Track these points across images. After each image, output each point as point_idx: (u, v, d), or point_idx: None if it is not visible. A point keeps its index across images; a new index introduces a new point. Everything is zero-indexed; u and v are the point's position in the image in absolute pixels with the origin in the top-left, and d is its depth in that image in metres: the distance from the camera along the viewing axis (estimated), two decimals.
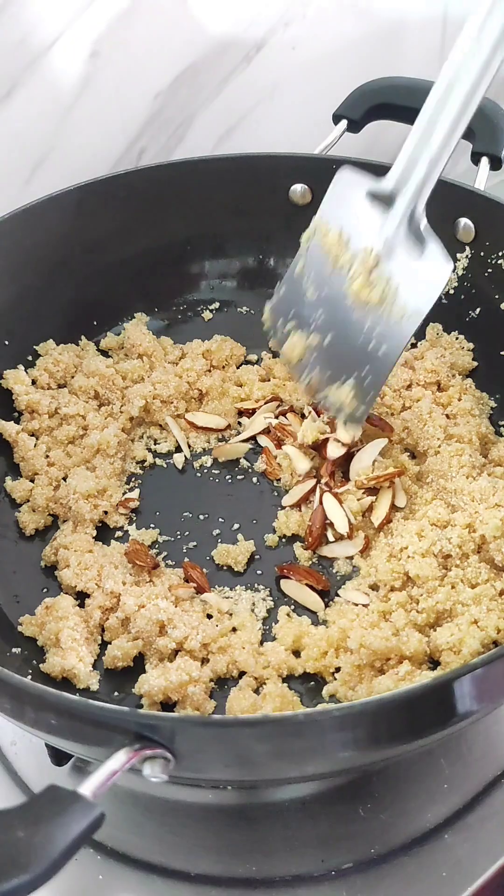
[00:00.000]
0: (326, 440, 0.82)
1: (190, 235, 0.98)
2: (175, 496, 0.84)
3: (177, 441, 0.88)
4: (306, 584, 0.76)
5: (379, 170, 0.77)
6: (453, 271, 0.91)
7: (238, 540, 0.79)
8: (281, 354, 0.82)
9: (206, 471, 0.86)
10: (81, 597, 0.75)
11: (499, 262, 0.87)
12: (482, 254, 0.88)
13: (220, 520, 0.82)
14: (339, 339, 0.78)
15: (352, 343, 0.77)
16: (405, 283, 0.75)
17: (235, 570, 0.77)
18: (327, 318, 0.78)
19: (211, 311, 0.99)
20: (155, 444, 0.89)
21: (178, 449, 0.88)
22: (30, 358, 0.90)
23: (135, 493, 0.84)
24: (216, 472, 0.86)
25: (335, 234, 0.78)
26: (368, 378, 0.76)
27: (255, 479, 0.85)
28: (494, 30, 0.67)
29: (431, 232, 0.74)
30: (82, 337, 0.94)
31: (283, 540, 0.80)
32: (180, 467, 0.86)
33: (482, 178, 0.91)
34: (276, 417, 0.89)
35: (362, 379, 0.77)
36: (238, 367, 0.94)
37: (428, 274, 0.74)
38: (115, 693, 0.70)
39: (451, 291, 0.92)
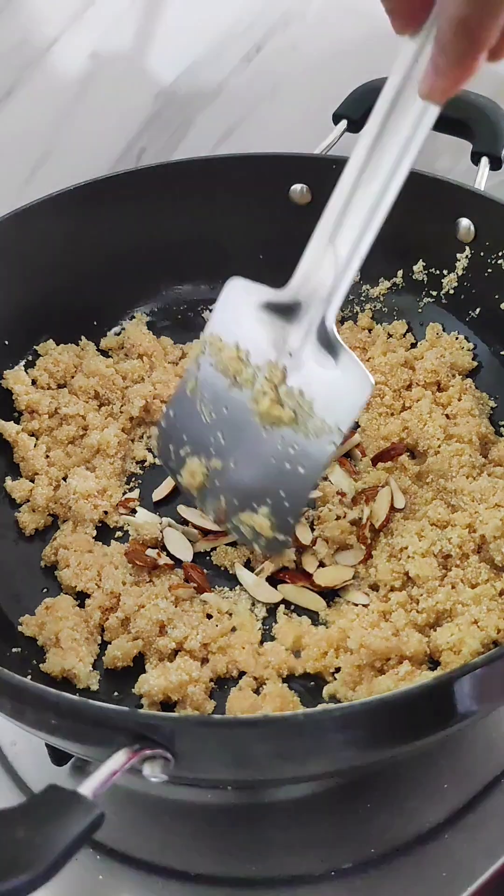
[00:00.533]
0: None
1: (190, 235, 0.98)
2: (176, 496, 0.84)
3: None
4: (302, 586, 0.75)
5: (273, 279, 0.71)
6: (453, 271, 0.91)
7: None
8: (179, 485, 0.77)
9: None
10: (81, 597, 0.75)
11: (499, 262, 0.87)
12: (482, 254, 0.88)
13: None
14: (246, 462, 0.72)
15: (262, 465, 0.71)
16: (320, 396, 0.69)
17: (231, 572, 0.77)
18: (229, 440, 0.73)
19: (211, 311, 0.99)
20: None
21: None
22: (30, 358, 0.90)
23: (135, 493, 0.84)
24: None
25: (231, 349, 0.72)
26: (286, 502, 0.71)
27: None
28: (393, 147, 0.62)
29: (340, 341, 0.68)
30: (82, 337, 0.94)
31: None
32: None
33: (482, 178, 0.91)
34: None
35: (280, 502, 0.71)
36: None
37: (346, 385, 0.67)
38: (115, 693, 0.70)
39: (452, 291, 0.92)
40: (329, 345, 0.68)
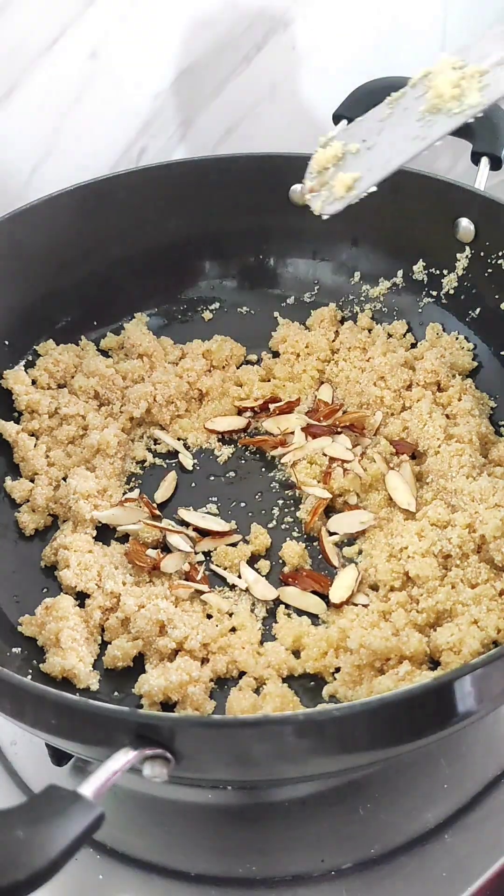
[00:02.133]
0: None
1: (190, 235, 0.98)
2: (177, 496, 0.84)
3: (183, 442, 0.89)
4: (311, 592, 0.75)
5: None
6: (453, 271, 0.91)
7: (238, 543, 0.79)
8: (312, 161, 0.75)
9: (208, 470, 0.86)
10: (81, 597, 0.75)
11: (499, 262, 0.87)
12: (482, 254, 0.88)
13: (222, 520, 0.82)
14: (373, 146, 0.72)
15: (388, 144, 0.71)
16: (491, 83, 0.68)
17: (231, 572, 0.77)
18: (381, 130, 0.72)
19: (211, 311, 0.99)
20: (155, 444, 0.89)
21: (186, 447, 0.88)
22: (30, 358, 0.90)
23: (134, 493, 0.84)
24: (218, 473, 0.86)
25: (452, 60, 0.71)
26: (376, 168, 0.71)
27: (258, 479, 0.85)
28: None
29: None
30: (82, 337, 0.94)
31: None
32: (189, 467, 0.86)
33: (482, 178, 0.91)
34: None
35: (371, 170, 0.71)
36: (238, 367, 0.94)
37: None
38: (115, 693, 0.70)
39: (452, 291, 0.92)
40: None
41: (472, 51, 0.72)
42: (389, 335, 0.94)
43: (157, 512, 0.81)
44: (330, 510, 0.81)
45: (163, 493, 0.84)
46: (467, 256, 0.90)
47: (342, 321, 0.97)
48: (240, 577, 0.77)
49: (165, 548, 0.79)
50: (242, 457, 0.87)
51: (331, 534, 0.79)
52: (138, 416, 0.88)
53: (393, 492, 0.80)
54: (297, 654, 0.71)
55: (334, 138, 0.75)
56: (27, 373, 0.89)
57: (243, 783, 0.63)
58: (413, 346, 0.94)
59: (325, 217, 0.73)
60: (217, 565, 0.78)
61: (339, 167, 0.73)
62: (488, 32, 0.70)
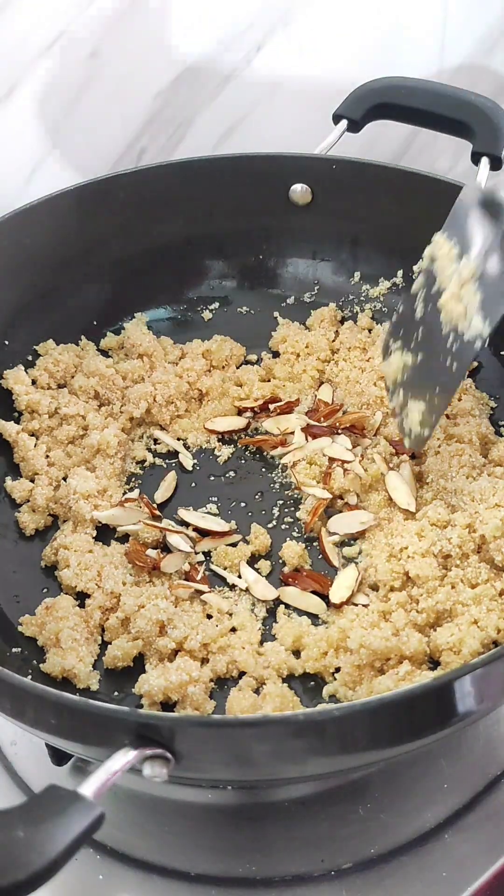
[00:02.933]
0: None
1: (190, 235, 0.98)
2: (177, 496, 0.84)
3: (183, 442, 0.89)
4: (311, 592, 0.75)
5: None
6: None
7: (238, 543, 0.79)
8: (384, 374, 0.81)
9: (208, 470, 0.86)
10: (81, 597, 0.75)
11: None
12: None
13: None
14: (426, 358, 0.77)
15: (433, 362, 0.75)
16: (487, 296, 0.72)
17: (231, 572, 0.77)
18: (425, 335, 0.76)
19: (211, 311, 0.99)
20: (155, 443, 0.89)
21: (186, 447, 0.88)
22: (30, 358, 0.90)
23: (134, 493, 0.84)
24: (218, 473, 0.86)
25: (447, 249, 0.75)
26: (436, 400, 0.76)
27: (258, 479, 0.85)
28: None
29: None
30: (82, 337, 0.94)
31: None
32: (189, 468, 0.86)
33: (482, 178, 0.90)
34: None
35: (432, 400, 0.76)
36: (238, 367, 0.94)
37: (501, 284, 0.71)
38: (115, 693, 0.70)
39: None
40: None
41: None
42: None
43: (157, 512, 0.81)
44: (330, 510, 0.81)
45: (163, 493, 0.84)
46: None
47: (342, 321, 0.97)
48: (240, 577, 0.77)
49: (165, 548, 0.79)
50: (242, 457, 0.87)
51: (331, 534, 0.79)
52: (138, 416, 0.88)
53: (393, 492, 0.80)
54: (297, 654, 0.71)
55: (391, 349, 0.80)
56: (27, 373, 0.88)
57: (243, 783, 0.63)
58: None
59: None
60: (217, 565, 0.78)
61: (405, 383, 0.78)
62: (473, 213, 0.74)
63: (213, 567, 0.78)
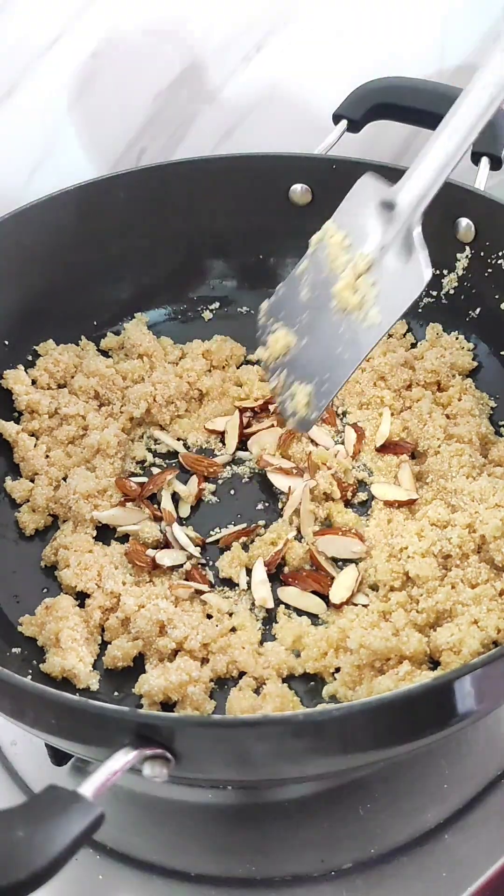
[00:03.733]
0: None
1: (190, 235, 0.98)
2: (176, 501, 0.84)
3: (183, 442, 0.89)
4: (311, 592, 0.75)
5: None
6: (453, 271, 0.91)
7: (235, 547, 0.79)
8: (261, 349, 0.81)
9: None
10: (81, 597, 0.75)
11: (499, 262, 0.87)
12: (482, 254, 0.88)
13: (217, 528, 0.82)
14: (312, 342, 0.77)
15: (322, 348, 0.76)
16: (385, 290, 0.73)
17: (234, 581, 0.77)
18: (310, 319, 0.77)
19: (211, 311, 0.99)
20: (155, 443, 0.89)
21: (186, 447, 0.88)
22: (30, 358, 0.90)
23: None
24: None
25: (339, 238, 0.76)
26: (325, 385, 0.75)
27: (258, 479, 0.85)
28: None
29: (422, 241, 0.72)
30: (82, 337, 0.94)
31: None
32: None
33: (482, 178, 0.91)
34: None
35: (321, 384, 0.76)
36: (238, 367, 0.94)
37: (404, 283, 0.72)
38: (115, 693, 0.70)
39: (452, 291, 0.92)
40: (410, 242, 0.72)
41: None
42: (389, 335, 0.94)
43: (158, 512, 0.81)
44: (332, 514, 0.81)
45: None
46: (467, 256, 0.90)
47: None
48: (240, 577, 0.77)
49: (167, 547, 0.79)
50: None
51: (319, 552, 0.78)
52: (138, 416, 0.88)
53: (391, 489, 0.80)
54: (297, 654, 0.71)
55: (269, 330, 0.80)
56: (27, 373, 0.88)
57: (243, 783, 0.63)
58: (413, 346, 0.94)
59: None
60: (217, 565, 0.78)
61: (287, 364, 0.78)
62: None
63: (215, 566, 0.78)
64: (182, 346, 0.95)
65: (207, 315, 0.99)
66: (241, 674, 0.70)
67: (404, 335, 0.94)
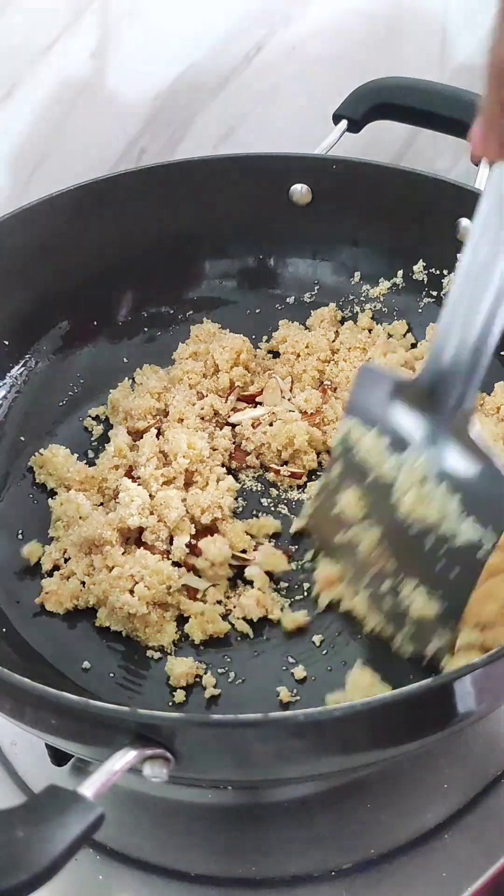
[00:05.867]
0: None
1: (190, 235, 0.98)
2: None
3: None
4: None
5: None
6: (451, 271, 0.91)
7: None
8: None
9: None
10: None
11: None
12: None
13: None
14: (398, 549, 0.66)
15: (416, 558, 0.65)
16: (466, 498, 0.62)
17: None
18: (378, 526, 0.67)
19: (211, 311, 0.99)
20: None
21: None
22: (33, 362, 0.90)
23: None
24: None
25: (372, 436, 0.67)
26: (446, 603, 0.64)
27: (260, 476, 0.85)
28: None
29: (478, 433, 0.62)
30: (83, 342, 0.93)
31: None
32: None
33: (482, 178, 0.90)
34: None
35: (439, 598, 0.64)
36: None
37: (490, 486, 0.61)
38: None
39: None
40: (466, 439, 0.63)
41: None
42: (390, 335, 0.94)
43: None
44: None
45: None
46: None
47: (342, 321, 0.97)
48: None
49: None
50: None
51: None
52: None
53: None
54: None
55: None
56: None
57: (243, 783, 0.63)
58: (413, 346, 0.93)
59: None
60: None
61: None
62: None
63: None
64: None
65: (205, 317, 0.99)
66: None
67: (404, 335, 0.94)
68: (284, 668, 0.70)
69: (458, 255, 0.89)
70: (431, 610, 0.64)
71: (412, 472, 0.65)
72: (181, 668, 0.69)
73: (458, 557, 0.62)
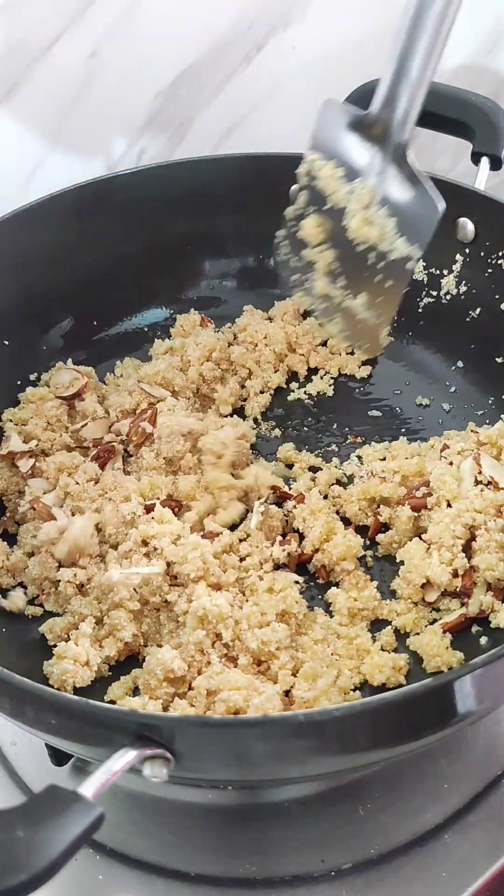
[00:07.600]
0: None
1: (190, 235, 0.98)
2: None
3: None
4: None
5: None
6: (453, 272, 0.91)
7: None
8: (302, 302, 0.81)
9: None
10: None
11: (499, 262, 0.87)
12: (482, 254, 0.88)
13: None
14: (347, 265, 0.77)
15: (361, 271, 0.76)
16: (404, 222, 0.74)
17: None
18: (339, 255, 0.77)
19: (211, 311, 0.99)
20: None
21: None
22: (32, 377, 0.90)
23: None
24: None
25: (330, 167, 0.76)
26: (380, 301, 0.76)
27: None
28: None
29: (415, 165, 0.73)
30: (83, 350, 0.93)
31: None
32: None
33: (482, 178, 0.91)
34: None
35: (374, 297, 0.76)
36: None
37: (420, 212, 0.73)
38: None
39: (452, 291, 0.92)
40: (405, 168, 0.73)
41: None
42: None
43: None
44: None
45: None
46: (467, 257, 0.90)
47: (304, 315, 0.96)
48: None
49: None
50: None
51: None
52: None
53: None
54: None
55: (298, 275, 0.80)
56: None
57: (243, 783, 0.63)
58: None
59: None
60: None
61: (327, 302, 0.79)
62: None
63: None
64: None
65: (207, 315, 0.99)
66: None
67: None
68: None
69: (457, 255, 0.90)
70: (372, 316, 0.77)
71: (359, 198, 0.74)
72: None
73: (393, 270, 0.74)
